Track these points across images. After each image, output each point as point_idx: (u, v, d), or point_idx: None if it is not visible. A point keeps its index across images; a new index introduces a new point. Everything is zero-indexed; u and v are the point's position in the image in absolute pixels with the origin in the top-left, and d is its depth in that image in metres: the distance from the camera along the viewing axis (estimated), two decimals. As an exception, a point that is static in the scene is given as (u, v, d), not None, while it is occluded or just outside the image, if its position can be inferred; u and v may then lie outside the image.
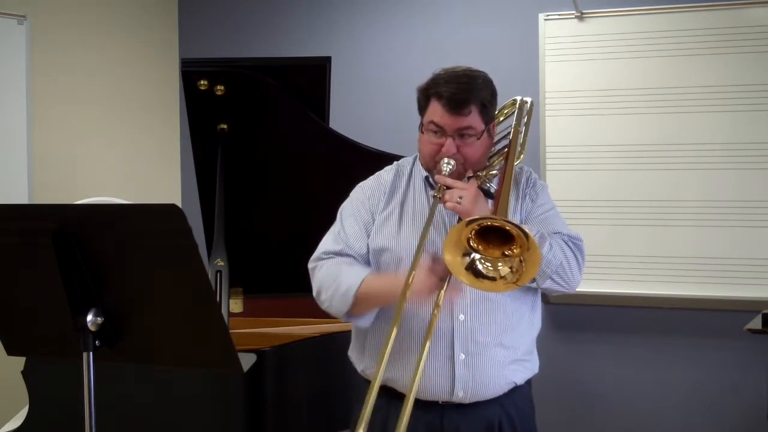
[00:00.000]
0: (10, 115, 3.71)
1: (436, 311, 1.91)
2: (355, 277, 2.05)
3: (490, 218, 1.81)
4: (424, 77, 2.19)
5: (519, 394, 2.18)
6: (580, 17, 3.91)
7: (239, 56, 4.07)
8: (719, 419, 3.82)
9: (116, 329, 1.71)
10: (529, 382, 2.24)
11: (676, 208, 3.79)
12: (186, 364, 1.96)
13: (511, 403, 2.16)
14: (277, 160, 3.17)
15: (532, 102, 2.33)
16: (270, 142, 3.14)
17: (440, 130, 2.06)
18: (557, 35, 3.95)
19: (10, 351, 1.89)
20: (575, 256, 2.06)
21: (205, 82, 3.00)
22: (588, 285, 3.86)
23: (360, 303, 2.05)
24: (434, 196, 2.03)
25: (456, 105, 2.03)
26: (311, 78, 3.14)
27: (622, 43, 3.85)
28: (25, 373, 2.73)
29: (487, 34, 4.12)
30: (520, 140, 2.19)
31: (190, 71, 3.03)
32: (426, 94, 2.10)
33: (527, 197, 2.17)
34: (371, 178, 2.28)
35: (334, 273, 2.09)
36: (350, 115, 3.98)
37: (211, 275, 2.82)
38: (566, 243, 2.06)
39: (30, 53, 3.77)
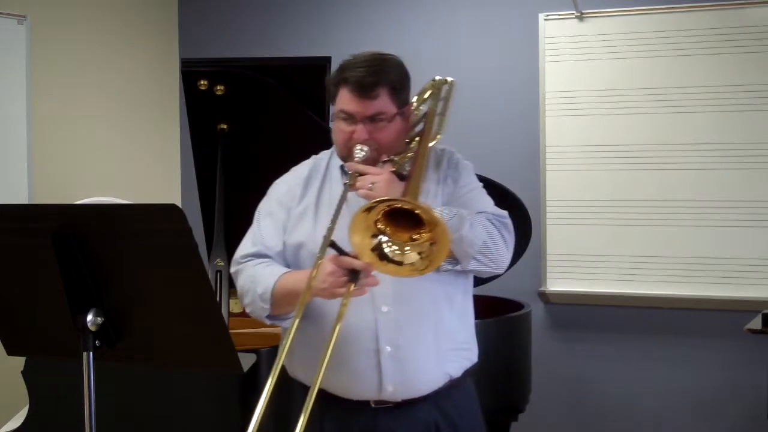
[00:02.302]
0: (10, 114, 3.71)
1: (345, 301, 1.81)
2: (270, 277, 1.98)
3: (392, 200, 1.74)
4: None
5: (457, 391, 2.07)
6: (580, 17, 3.91)
7: (239, 56, 4.06)
8: (719, 419, 3.82)
9: (116, 329, 1.71)
10: (470, 377, 2.12)
11: (676, 208, 3.78)
12: (186, 364, 1.96)
13: (449, 402, 2.04)
14: (277, 160, 3.16)
15: (452, 81, 2.22)
16: (270, 142, 3.13)
17: (350, 117, 2.01)
18: (557, 35, 3.94)
19: (10, 351, 1.89)
20: (500, 234, 1.97)
21: (205, 82, 3.00)
22: (588, 285, 3.87)
23: (279, 303, 1.97)
24: (345, 184, 1.94)
25: (363, 89, 1.98)
26: (311, 78, 3.14)
27: (622, 43, 3.85)
28: (25, 373, 2.73)
29: (487, 34, 4.12)
30: (437, 121, 2.10)
31: (190, 71, 3.03)
32: (334, 82, 2.05)
33: (449, 179, 2.07)
34: (287, 174, 2.19)
35: (252, 275, 2.02)
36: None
37: (211, 275, 2.82)
38: (490, 222, 1.97)
39: (30, 53, 3.77)
